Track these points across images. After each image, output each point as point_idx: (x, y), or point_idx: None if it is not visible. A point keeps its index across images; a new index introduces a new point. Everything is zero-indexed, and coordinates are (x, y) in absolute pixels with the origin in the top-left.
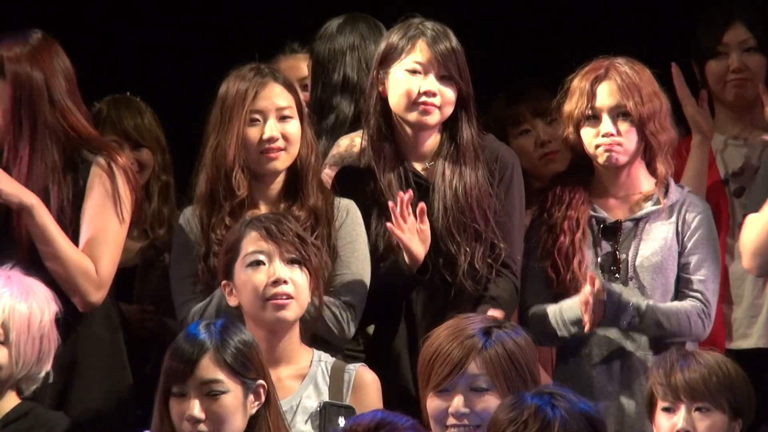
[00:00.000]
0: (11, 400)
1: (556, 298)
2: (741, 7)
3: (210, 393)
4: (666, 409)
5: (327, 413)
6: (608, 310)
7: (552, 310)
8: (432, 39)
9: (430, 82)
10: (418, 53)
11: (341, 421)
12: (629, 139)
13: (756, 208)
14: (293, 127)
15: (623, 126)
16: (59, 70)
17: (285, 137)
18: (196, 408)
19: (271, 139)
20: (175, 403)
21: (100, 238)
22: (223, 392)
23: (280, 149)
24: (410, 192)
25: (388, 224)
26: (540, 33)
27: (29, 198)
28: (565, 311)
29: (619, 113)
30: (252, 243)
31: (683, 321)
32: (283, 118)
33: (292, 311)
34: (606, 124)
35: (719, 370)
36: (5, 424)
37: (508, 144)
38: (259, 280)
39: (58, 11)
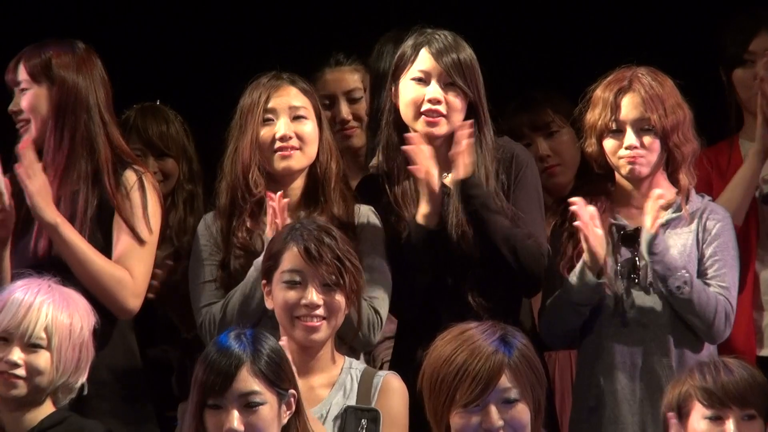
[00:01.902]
0: (47, 409)
1: None
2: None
3: (248, 405)
4: (711, 417)
5: (347, 417)
6: (661, 269)
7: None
8: (436, 47)
9: (434, 89)
10: (421, 61)
11: (364, 423)
12: (652, 151)
13: None
14: (308, 127)
15: (647, 138)
16: (100, 81)
17: (299, 137)
18: (236, 420)
19: (284, 138)
20: (211, 415)
21: (133, 248)
22: (261, 404)
23: (294, 148)
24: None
25: (411, 168)
26: (561, 40)
27: (53, 216)
28: (573, 272)
29: (643, 125)
30: (291, 260)
31: (711, 308)
32: (297, 118)
33: (323, 333)
34: (630, 136)
35: (758, 376)
36: (41, 431)
37: None
38: (292, 298)
39: (91, 21)
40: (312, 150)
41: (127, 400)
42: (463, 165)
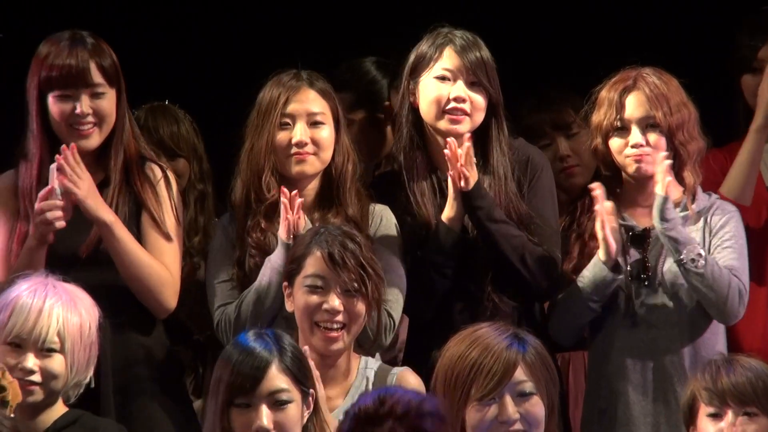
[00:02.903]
0: (59, 408)
1: None
2: None
3: (277, 403)
4: (712, 415)
5: None
6: (675, 236)
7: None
8: (460, 46)
9: (459, 88)
10: (446, 60)
11: None
12: (658, 149)
13: None
14: (324, 132)
15: (652, 136)
16: None
17: (315, 142)
18: (266, 418)
19: (300, 143)
20: (238, 414)
21: (167, 244)
22: (289, 402)
23: (308, 153)
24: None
25: (451, 174)
26: (571, 40)
27: (107, 215)
28: (588, 268)
29: (648, 124)
30: (314, 265)
31: (725, 282)
32: (314, 124)
33: (342, 343)
34: (635, 134)
35: (765, 374)
36: (54, 431)
37: None
38: (313, 302)
39: (98, 19)
40: (327, 155)
41: (171, 383)
42: (469, 177)
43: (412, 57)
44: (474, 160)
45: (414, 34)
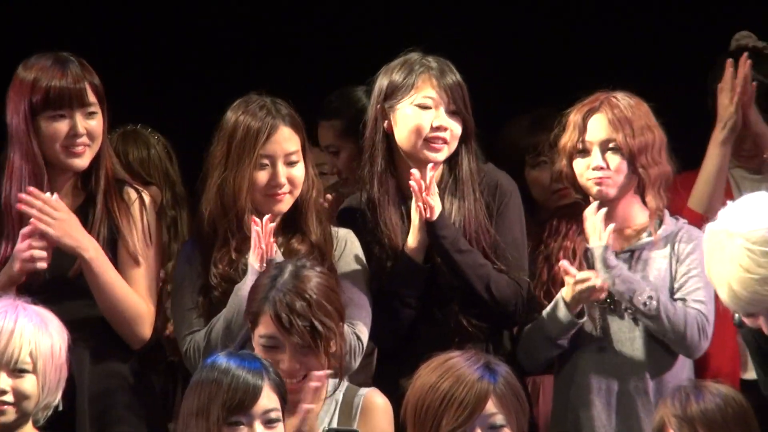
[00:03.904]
0: (29, 431)
1: None
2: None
3: (269, 421)
4: None
5: None
6: (621, 283)
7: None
8: (440, 73)
9: (442, 117)
10: (429, 89)
11: None
12: (619, 172)
13: None
14: (299, 171)
15: (613, 159)
16: None
17: (291, 181)
18: None
19: (279, 185)
20: None
21: (143, 274)
22: (278, 420)
23: (285, 193)
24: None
25: (418, 205)
26: (553, 63)
27: (86, 251)
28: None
29: (608, 147)
30: (265, 325)
31: (681, 320)
32: (290, 163)
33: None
34: (595, 157)
35: (733, 401)
36: None
37: (524, 173)
38: (274, 361)
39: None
40: (299, 191)
41: (147, 408)
42: (433, 207)
43: (384, 82)
44: (437, 189)
45: (383, 56)
